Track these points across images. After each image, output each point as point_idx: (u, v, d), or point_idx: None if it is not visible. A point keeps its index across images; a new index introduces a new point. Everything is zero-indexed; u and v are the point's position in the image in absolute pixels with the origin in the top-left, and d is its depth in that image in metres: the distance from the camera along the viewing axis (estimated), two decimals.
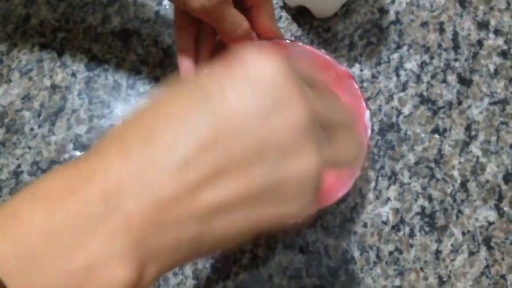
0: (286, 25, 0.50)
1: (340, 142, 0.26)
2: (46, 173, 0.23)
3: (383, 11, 0.51)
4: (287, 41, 0.43)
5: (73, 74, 0.49)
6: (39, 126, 0.48)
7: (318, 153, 0.23)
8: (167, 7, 0.51)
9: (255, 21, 0.41)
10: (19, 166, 0.48)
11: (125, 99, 0.49)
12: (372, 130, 0.48)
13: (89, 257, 0.20)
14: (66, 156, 0.48)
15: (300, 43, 0.43)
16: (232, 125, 0.22)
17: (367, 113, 0.40)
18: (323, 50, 0.42)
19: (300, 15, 0.50)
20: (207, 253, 0.23)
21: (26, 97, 0.49)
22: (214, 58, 0.43)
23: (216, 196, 0.22)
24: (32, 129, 0.48)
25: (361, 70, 0.49)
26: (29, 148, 0.48)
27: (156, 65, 0.49)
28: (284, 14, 0.50)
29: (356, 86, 0.41)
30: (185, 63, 0.41)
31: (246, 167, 0.22)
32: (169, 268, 0.22)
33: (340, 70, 0.42)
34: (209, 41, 0.43)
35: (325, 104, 0.25)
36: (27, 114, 0.49)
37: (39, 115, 0.49)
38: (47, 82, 0.49)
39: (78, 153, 0.48)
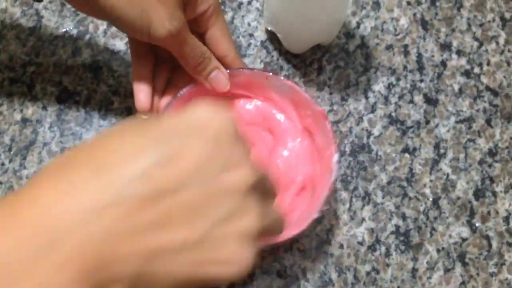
0: (255, 52, 0.51)
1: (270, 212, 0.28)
2: None
3: (349, 36, 0.52)
4: (270, 73, 0.44)
5: (44, 107, 0.49)
6: (10, 161, 0.48)
7: (259, 217, 0.25)
8: None
9: (213, 48, 0.43)
10: None
11: (97, 130, 0.49)
12: (344, 152, 0.48)
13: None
14: None
15: (281, 77, 0.44)
16: (183, 175, 0.22)
17: (335, 157, 0.41)
18: (303, 88, 0.43)
19: (269, 41, 0.51)
20: None
21: None
22: (170, 90, 0.44)
23: (160, 241, 0.22)
24: (3, 164, 0.48)
25: (331, 93, 0.50)
26: (0, 183, 0.47)
27: (127, 96, 0.50)
28: (253, 41, 0.51)
29: (329, 128, 0.42)
30: (142, 92, 0.42)
31: (191, 218, 0.23)
32: None
33: (317, 110, 0.43)
34: (166, 70, 0.44)
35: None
36: None
37: (9, 150, 0.48)
38: (18, 116, 0.49)
39: None
